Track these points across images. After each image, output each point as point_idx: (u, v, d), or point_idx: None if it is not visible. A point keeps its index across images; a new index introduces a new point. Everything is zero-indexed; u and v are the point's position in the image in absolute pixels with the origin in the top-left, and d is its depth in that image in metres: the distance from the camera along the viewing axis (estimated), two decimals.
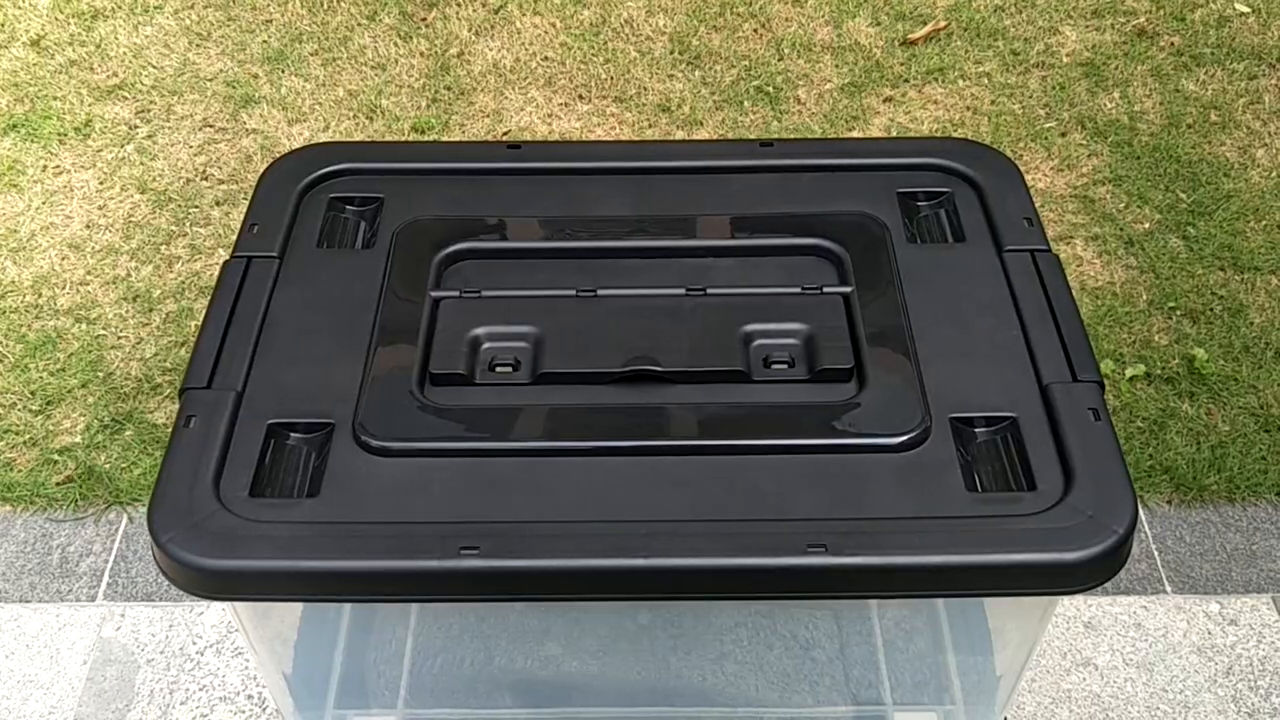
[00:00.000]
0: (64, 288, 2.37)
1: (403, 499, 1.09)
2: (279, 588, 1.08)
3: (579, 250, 1.32)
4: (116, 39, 2.89)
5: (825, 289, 1.28)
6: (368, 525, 1.07)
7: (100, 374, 2.22)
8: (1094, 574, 1.06)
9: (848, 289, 1.28)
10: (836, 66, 2.81)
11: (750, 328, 1.25)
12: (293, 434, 1.15)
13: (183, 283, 2.38)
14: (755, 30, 2.91)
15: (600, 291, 1.27)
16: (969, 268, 1.31)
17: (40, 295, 2.35)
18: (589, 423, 1.15)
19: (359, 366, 1.20)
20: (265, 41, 2.88)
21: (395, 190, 1.40)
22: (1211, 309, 2.32)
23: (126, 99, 2.75)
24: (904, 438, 1.13)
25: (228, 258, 1.32)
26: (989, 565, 1.05)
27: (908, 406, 1.16)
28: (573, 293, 1.28)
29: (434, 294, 1.27)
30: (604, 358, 1.21)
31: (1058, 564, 1.05)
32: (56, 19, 2.94)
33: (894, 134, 2.65)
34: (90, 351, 2.26)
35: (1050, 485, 1.10)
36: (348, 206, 1.40)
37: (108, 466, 2.10)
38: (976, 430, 1.15)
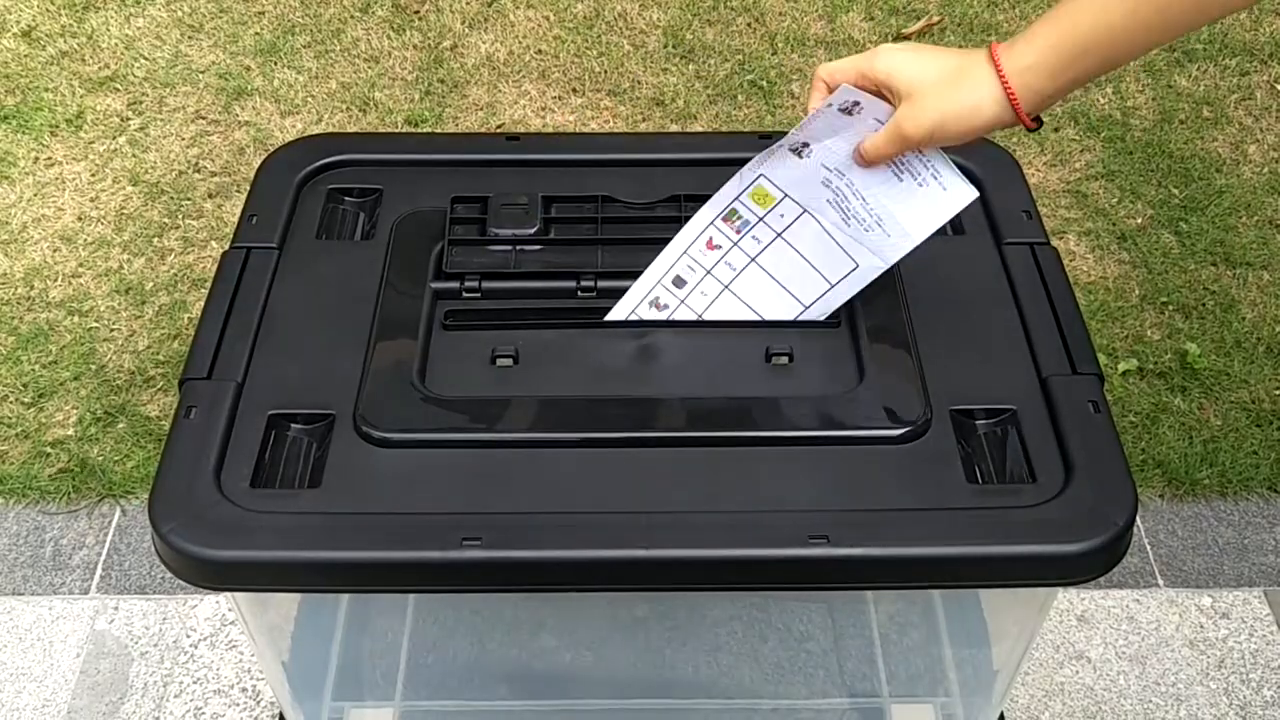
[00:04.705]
0: (56, 280, 2.36)
1: (404, 490, 1.09)
2: (281, 578, 1.08)
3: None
4: (108, 30, 2.87)
5: None
6: (369, 516, 1.07)
7: (93, 366, 2.21)
8: (1094, 565, 1.06)
9: None
10: (830, 60, 2.81)
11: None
12: (294, 425, 1.15)
13: (175, 275, 2.37)
14: (749, 24, 2.91)
15: (600, 283, 1.27)
16: (968, 260, 1.31)
17: (32, 287, 2.34)
18: (591, 413, 1.15)
19: (360, 357, 1.19)
20: (258, 34, 2.87)
21: (395, 181, 1.40)
22: (1204, 304, 2.33)
23: (118, 90, 2.74)
24: (904, 429, 1.13)
25: (227, 248, 1.31)
26: (990, 556, 1.05)
27: (908, 398, 1.16)
28: (572, 284, 1.28)
29: (434, 285, 1.27)
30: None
31: (1058, 555, 1.05)
32: (48, 10, 2.93)
33: None
34: (82, 344, 2.25)
35: (1050, 477, 1.10)
36: (347, 198, 1.39)
37: (100, 459, 2.09)
38: (977, 422, 1.16)
